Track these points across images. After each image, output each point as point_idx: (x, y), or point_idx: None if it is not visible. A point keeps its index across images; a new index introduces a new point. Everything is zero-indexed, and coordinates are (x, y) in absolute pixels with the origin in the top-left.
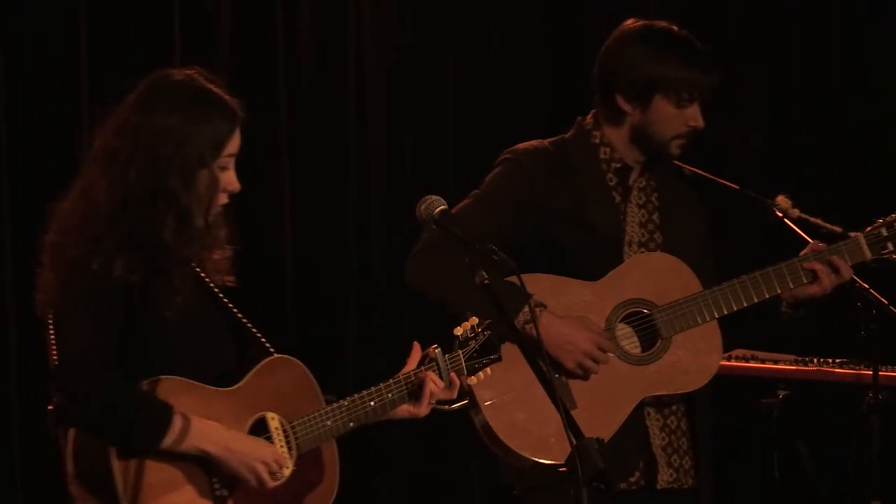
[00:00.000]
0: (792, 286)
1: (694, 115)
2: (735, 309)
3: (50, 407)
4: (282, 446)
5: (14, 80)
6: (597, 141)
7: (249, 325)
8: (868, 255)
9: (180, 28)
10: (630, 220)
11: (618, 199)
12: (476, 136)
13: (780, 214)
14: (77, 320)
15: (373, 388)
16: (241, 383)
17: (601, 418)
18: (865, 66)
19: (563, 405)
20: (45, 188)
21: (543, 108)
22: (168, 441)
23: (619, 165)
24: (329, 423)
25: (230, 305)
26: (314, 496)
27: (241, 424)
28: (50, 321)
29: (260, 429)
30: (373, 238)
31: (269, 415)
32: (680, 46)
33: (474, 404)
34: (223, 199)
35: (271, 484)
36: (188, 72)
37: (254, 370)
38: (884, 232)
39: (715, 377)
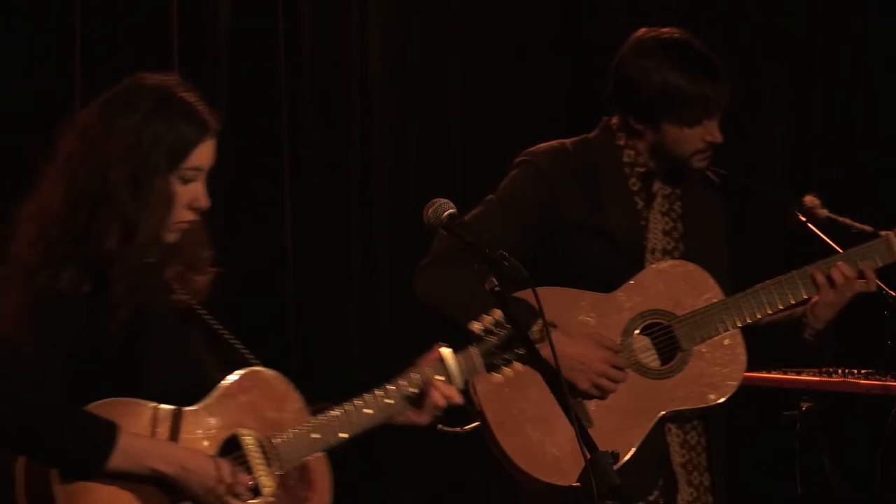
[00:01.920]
0: (817, 290)
1: (710, 131)
2: (759, 317)
3: None
4: (259, 464)
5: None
6: (621, 143)
7: (231, 339)
8: None
9: (178, 27)
10: (653, 228)
11: (640, 204)
12: (483, 138)
13: (804, 218)
14: (14, 336)
15: (367, 396)
16: (206, 401)
17: (620, 436)
18: (890, 67)
19: (577, 418)
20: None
21: (554, 107)
22: (115, 462)
23: (643, 170)
24: (316, 435)
25: (209, 320)
26: None
27: (210, 443)
28: None
29: (232, 447)
30: (376, 241)
31: (243, 431)
32: (685, 63)
33: (485, 425)
34: (187, 215)
35: None
36: (164, 77)
37: (221, 386)
38: None
39: (737, 390)
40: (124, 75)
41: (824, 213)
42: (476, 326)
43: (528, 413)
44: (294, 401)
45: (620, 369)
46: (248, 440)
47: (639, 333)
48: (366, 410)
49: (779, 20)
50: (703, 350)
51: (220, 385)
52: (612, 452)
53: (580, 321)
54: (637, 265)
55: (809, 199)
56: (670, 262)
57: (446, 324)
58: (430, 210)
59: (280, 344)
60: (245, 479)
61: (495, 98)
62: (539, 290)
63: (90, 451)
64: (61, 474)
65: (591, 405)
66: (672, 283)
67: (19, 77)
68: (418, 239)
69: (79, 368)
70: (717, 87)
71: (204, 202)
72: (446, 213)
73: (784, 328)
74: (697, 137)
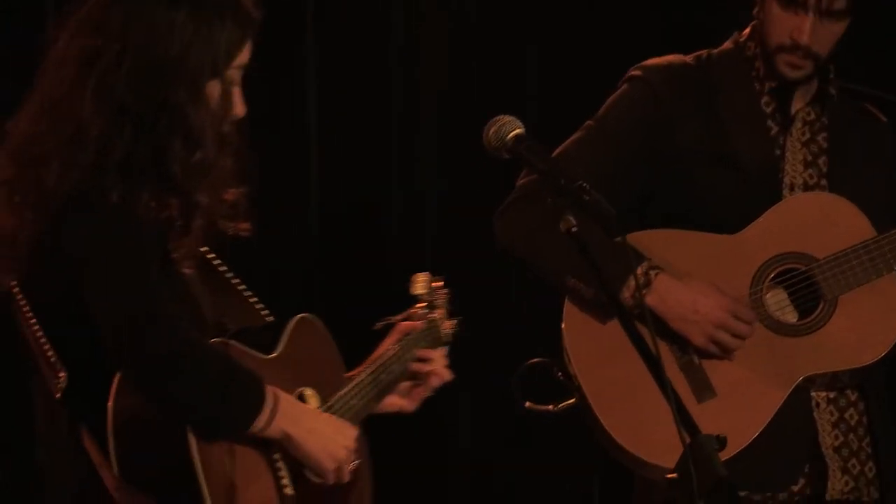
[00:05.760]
0: None
1: (798, 27)
2: None
3: (57, 395)
4: None
5: None
6: (750, 53)
7: (242, 287)
8: None
9: None
10: (791, 158)
11: (774, 129)
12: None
13: None
14: (124, 265)
15: (378, 361)
16: (279, 350)
17: (747, 408)
18: None
19: (674, 393)
20: None
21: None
22: (259, 423)
23: (774, 84)
24: (355, 402)
25: (220, 267)
26: (357, 491)
27: None
28: (16, 289)
29: None
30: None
31: (308, 391)
32: None
33: (583, 399)
34: (227, 128)
35: (347, 477)
36: None
37: (286, 333)
38: None
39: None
40: None
41: None
42: (419, 290)
43: (632, 383)
44: (336, 357)
45: (746, 322)
46: (314, 402)
47: (772, 281)
48: (381, 375)
49: None
50: (852, 299)
51: (283, 332)
52: (718, 437)
53: (698, 267)
54: (772, 203)
55: None
56: (806, 194)
57: (531, 275)
58: (492, 130)
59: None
60: None
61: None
62: (647, 233)
63: (244, 408)
64: (199, 438)
65: (712, 369)
66: (810, 219)
67: None
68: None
69: None
70: None
71: (243, 109)
72: (512, 134)
73: None
74: (785, 28)
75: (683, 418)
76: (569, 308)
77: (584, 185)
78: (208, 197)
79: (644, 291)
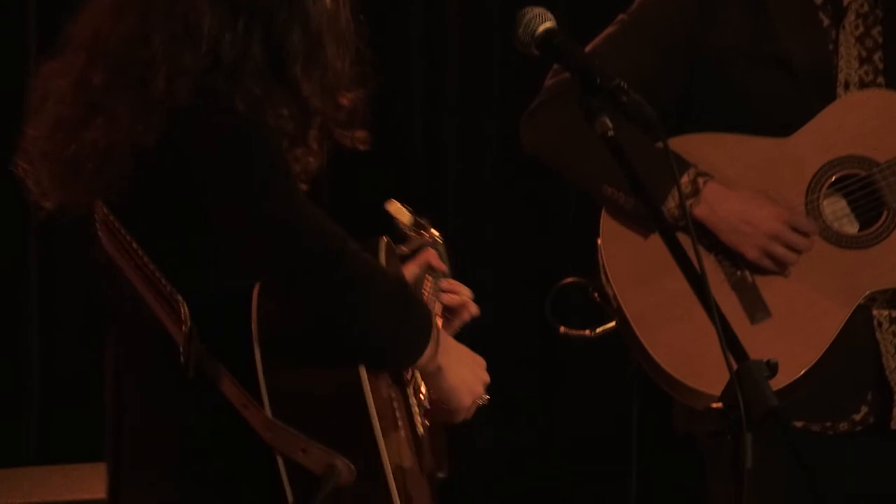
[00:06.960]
0: None
1: None
2: None
3: (184, 328)
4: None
5: None
6: None
7: None
8: None
9: None
10: (845, 54)
11: (826, 22)
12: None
13: None
14: (277, 179)
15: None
16: None
17: (806, 330)
18: None
19: (720, 314)
20: None
21: None
22: (427, 353)
23: None
24: None
25: None
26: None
27: None
28: (111, 217)
29: None
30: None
31: None
32: None
33: (623, 321)
34: None
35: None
36: None
37: (381, 255)
38: None
39: None
40: None
41: None
42: (405, 219)
43: (678, 304)
44: None
45: (804, 233)
46: None
47: (829, 189)
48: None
49: None
50: None
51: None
52: (769, 362)
53: (746, 173)
54: (825, 103)
55: None
56: (863, 91)
57: (563, 179)
58: (521, 24)
59: None
60: None
61: None
62: (689, 137)
63: (417, 334)
64: (367, 362)
65: (766, 286)
66: (869, 119)
67: None
68: None
69: None
70: None
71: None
72: (542, 28)
73: None
74: None
75: (730, 341)
76: (605, 220)
77: (623, 84)
78: (322, 101)
79: (691, 201)
